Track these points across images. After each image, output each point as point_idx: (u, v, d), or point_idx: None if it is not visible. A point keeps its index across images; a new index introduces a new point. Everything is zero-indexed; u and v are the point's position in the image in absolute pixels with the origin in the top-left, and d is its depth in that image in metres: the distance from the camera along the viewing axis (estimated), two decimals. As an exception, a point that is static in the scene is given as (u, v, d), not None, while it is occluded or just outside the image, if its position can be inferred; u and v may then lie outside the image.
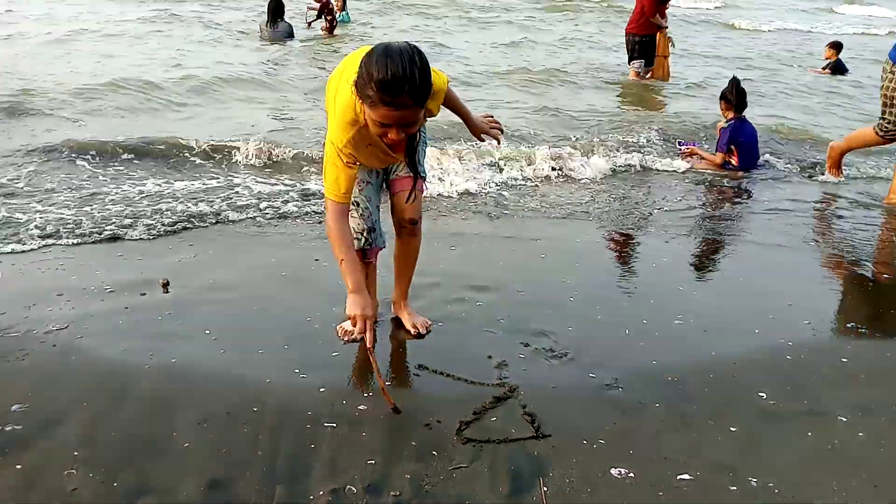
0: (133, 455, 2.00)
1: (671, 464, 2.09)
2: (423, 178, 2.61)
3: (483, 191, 4.73)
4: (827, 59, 10.82)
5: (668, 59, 9.05)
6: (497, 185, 4.87)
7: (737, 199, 4.93)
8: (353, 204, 2.52)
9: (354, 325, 2.34)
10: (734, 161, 5.51)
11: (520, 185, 4.94)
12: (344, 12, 13.21)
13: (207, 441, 2.07)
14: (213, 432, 2.11)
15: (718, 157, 5.53)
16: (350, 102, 2.21)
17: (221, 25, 11.98)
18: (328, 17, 11.72)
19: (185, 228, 3.77)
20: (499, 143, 2.81)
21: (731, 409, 2.38)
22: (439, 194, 4.58)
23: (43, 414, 2.15)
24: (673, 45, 9.15)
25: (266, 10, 11.12)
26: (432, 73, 2.14)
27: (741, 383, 2.55)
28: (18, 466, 1.93)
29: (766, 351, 2.79)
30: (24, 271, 3.19)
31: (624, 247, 3.94)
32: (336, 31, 11.81)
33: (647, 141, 6.09)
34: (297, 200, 4.27)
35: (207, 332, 2.68)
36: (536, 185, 4.94)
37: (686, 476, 2.05)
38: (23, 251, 3.40)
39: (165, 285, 3.03)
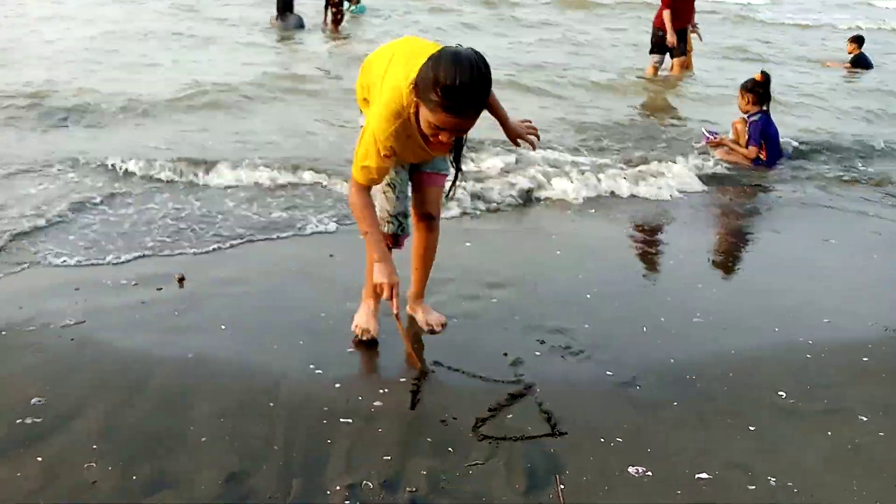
0: (150, 448, 2.01)
1: (689, 462, 2.08)
2: (455, 173, 2.54)
3: (496, 186, 4.71)
4: (850, 53, 10.75)
5: (692, 54, 8.92)
6: (511, 184, 4.84)
7: (757, 195, 4.87)
8: (389, 186, 2.51)
9: (381, 293, 2.40)
10: (763, 155, 5.36)
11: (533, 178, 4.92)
12: (359, 3, 12.98)
13: (224, 435, 2.08)
14: (230, 426, 2.12)
15: (752, 152, 5.31)
16: (399, 94, 2.19)
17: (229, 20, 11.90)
18: (333, 10, 11.27)
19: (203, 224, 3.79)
20: (534, 148, 2.78)
21: (749, 408, 2.36)
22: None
23: (61, 407, 2.17)
24: (700, 39, 8.98)
25: (276, 5, 11.07)
26: None
27: (760, 382, 2.52)
28: (39, 459, 1.94)
29: (785, 349, 2.76)
30: (40, 265, 3.22)
31: (641, 243, 3.91)
32: (346, 21, 11.46)
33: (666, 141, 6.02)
34: (312, 195, 4.27)
35: (223, 326, 2.69)
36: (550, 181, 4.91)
37: (704, 475, 2.03)
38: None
39: (181, 280, 3.05)
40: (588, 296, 3.15)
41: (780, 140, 5.57)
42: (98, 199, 3.98)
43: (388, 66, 2.29)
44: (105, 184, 4.24)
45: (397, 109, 2.21)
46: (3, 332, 2.56)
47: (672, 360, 2.62)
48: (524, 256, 3.57)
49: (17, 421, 2.09)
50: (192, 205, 4.02)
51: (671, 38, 8.29)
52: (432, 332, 2.77)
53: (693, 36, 8.94)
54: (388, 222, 2.56)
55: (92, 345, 2.52)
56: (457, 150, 2.41)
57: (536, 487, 1.94)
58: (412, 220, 2.71)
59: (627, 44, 11.46)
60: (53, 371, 2.34)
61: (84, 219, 3.73)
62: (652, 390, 2.43)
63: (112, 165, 4.48)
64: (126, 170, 4.45)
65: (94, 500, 1.80)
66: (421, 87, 2.08)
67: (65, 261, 3.22)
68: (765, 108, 5.38)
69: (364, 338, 2.63)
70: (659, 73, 8.72)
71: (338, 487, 1.89)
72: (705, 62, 9.80)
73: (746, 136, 5.38)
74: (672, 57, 8.62)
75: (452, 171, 2.50)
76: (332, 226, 3.80)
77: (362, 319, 2.68)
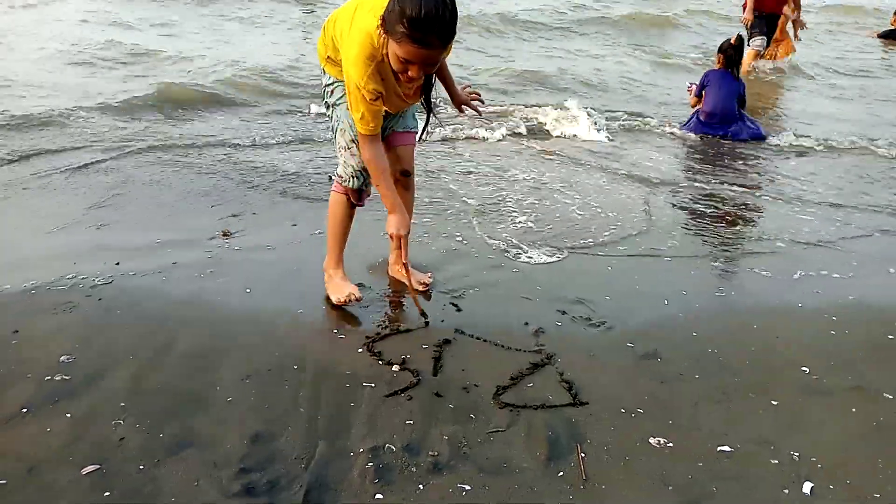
0: (177, 407, 2.04)
1: (711, 435, 2.07)
2: (426, 115, 2.55)
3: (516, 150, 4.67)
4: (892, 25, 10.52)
5: (792, 41, 8.26)
6: (537, 151, 4.80)
7: (776, 169, 4.79)
8: (354, 143, 2.51)
9: (393, 240, 2.57)
10: (693, 103, 5.74)
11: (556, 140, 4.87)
12: None
13: (249, 396, 2.11)
14: (255, 388, 2.15)
15: (692, 101, 5.82)
16: (370, 38, 2.20)
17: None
18: None
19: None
20: (480, 114, 2.84)
21: (773, 383, 2.35)
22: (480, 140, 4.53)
23: (90, 365, 2.20)
24: (803, 27, 8.40)
25: None
26: None
27: (784, 357, 2.50)
28: (68, 415, 1.98)
29: (810, 325, 2.74)
30: (71, 225, 3.25)
31: (664, 215, 3.86)
32: None
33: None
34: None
35: (248, 290, 2.71)
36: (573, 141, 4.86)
37: (726, 447, 2.02)
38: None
39: (227, 234, 3.10)
40: (609, 268, 3.12)
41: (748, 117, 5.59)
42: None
43: (354, 14, 2.28)
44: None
45: (371, 53, 2.22)
46: (33, 291, 2.59)
47: (694, 334, 2.61)
48: (545, 226, 3.54)
49: (47, 378, 2.13)
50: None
51: (747, 16, 7.71)
52: (426, 289, 2.79)
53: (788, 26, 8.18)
54: (353, 177, 2.56)
55: (121, 304, 2.55)
56: (426, 91, 2.42)
57: (558, 456, 1.95)
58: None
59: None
60: (82, 330, 2.38)
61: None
62: (674, 363, 2.42)
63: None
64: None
65: (122, 457, 1.84)
66: (388, 21, 2.11)
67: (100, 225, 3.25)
68: (726, 67, 5.62)
69: (352, 300, 2.61)
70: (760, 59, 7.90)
71: (361, 450, 1.91)
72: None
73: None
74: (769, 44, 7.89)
75: (420, 123, 2.53)
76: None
77: (340, 289, 2.64)
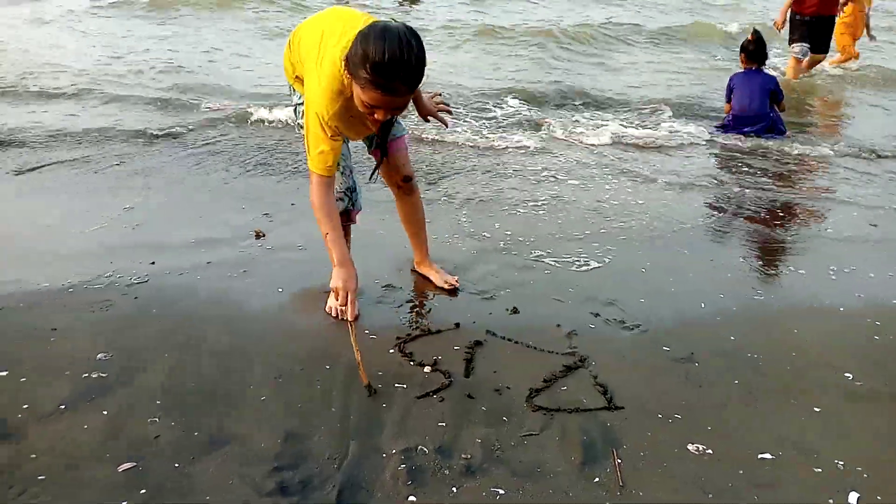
0: (211, 405, 2.05)
1: (751, 442, 2.02)
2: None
3: (549, 155, 4.63)
4: None
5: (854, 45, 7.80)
6: (568, 153, 4.76)
7: (814, 170, 4.68)
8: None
9: (337, 299, 2.33)
10: (726, 109, 5.54)
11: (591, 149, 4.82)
12: None
13: (282, 395, 2.11)
14: (287, 387, 2.15)
15: (726, 107, 5.58)
16: (339, 72, 2.12)
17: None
18: None
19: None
20: (446, 125, 2.74)
21: (814, 389, 2.28)
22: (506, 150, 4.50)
23: (125, 363, 2.22)
24: (870, 37, 7.87)
25: None
26: None
27: (825, 363, 2.43)
28: (105, 412, 2.00)
29: (851, 330, 2.66)
30: (108, 225, 3.30)
31: (698, 216, 3.79)
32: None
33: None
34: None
35: (280, 289, 2.72)
36: (605, 152, 4.80)
37: (767, 455, 1.97)
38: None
39: (260, 234, 3.14)
40: (643, 270, 3.07)
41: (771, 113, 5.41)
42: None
43: (321, 42, 2.20)
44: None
45: (339, 88, 2.14)
46: (71, 290, 2.63)
47: (732, 338, 2.55)
48: (576, 227, 3.50)
49: (84, 375, 2.15)
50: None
51: (778, 20, 7.15)
52: (454, 289, 2.76)
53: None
54: (338, 200, 2.49)
55: (156, 303, 2.57)
56: (384, 128, 2.35)
57: (593, 461, 1.91)
58: (391, 190, 2.71)
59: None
60: (119, 328, 2.41)
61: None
62: (711, 367, 2.36)
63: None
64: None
65: (157, 455, 1.85)
66: (351, 63, 2.01)
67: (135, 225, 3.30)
68: (753, 65, 5.48)
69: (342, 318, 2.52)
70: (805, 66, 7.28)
71: (394, 451, 1.90)
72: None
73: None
74: (815, 51, 7.17)
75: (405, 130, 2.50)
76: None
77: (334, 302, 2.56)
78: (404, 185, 2.67)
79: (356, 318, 2.31)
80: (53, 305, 2.53)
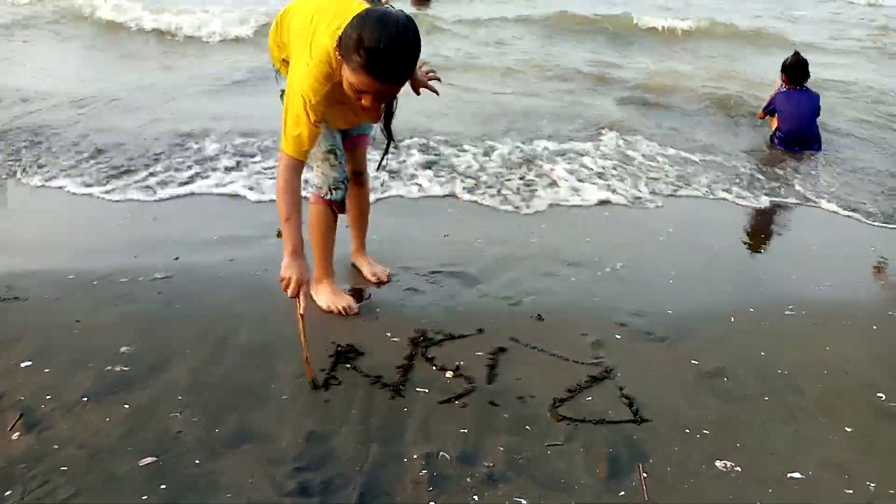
0: (233, 402, 2.04)
1: (780, 460, 1.97)
2: (387, 143, 2.48)
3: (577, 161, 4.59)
4: None
5: None
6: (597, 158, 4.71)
7: (861, 188, 4.59)
8: (331, 153, 2.45)
9: (286, 289, 2.18)
10: (773, 124, 5.45)
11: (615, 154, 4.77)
12: None
13: (305, 395, 2.09)
14: (310, 386, 2.13)
15: (759, 114, 5.67)
16: (329, 56, 2.08)
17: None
18: None
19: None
20: (437, 93, 2.69)
21: (846, 408, 2.23)
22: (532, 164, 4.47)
23: (148, 357, 2.22)
24: None
25: None
26: None
27: (858, 381, 2.38)
28: (127, 406, 2.00)
29: (885, 349, 2.60)
30: (136, 219, 3.32)
31: (729, 225, 3.72)
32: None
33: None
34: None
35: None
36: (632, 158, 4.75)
37: (797, 474, 1.92)
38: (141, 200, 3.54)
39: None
40: (671, 281, 3.03)
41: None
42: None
43: (311, 24, 2.15)
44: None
45: (328, 72, 2.10)
46: (95, 282, 2.64)
47: (762, 354, 2.50)
48: (602, 235, 3.46)
49: (107, 368, 2.15)
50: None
51: None
52: (379, 282, 2.79)
53: None
54: (335, 189, 2.50)
55: (180, 298, 2.57)
56: (387, 117, 2.33)
57: (618, 474, 1.87)
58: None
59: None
60: (142, 322, 2.41)
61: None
62: (741, 383, 2.31)
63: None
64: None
65: (179, 450, 1.84)
66: (344, 45, 1.98)
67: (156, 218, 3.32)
68: (795, 85, 5.47)
69: (351, 312, 2.56)
70: None
71: (415, 455, 1.87)
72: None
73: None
74: None
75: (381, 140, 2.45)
76: (414, 189, 3.79)
77: (334, 300, 2.58)
78: (354, 178, 2.72)
79: (305, 311, 2.18)
80: (78, 298, 2.54)
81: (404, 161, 4.23)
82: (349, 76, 2.02)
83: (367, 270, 2.84)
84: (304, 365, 2.16)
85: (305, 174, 2.29)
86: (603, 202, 3.91)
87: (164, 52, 7.10)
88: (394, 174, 4.04)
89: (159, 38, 7.54)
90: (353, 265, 2.91)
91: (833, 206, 4.16)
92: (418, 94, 2.67)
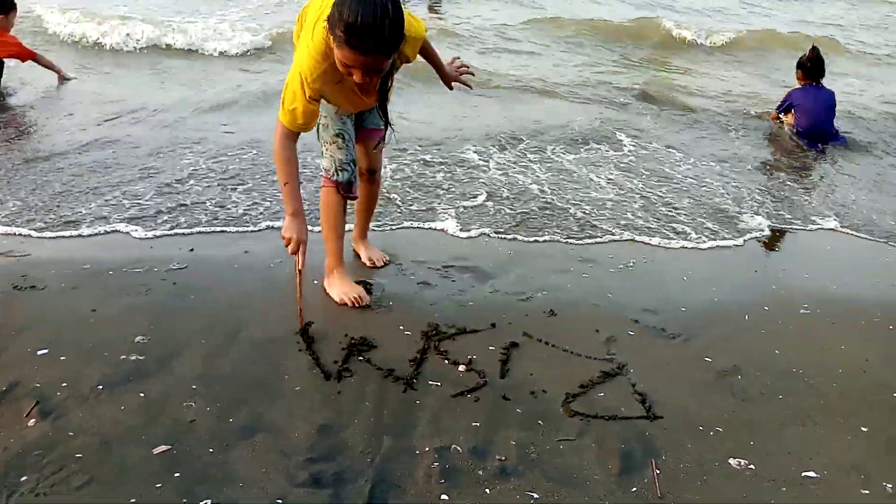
0: (247, 393, 2.04)
1: (795, 459, 1.95)
2: (389, 127, 2.54)
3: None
4: None
5: None
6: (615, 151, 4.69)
7: (871, 191, 4.54)
8: (339, 136, 2.51)
9: (287, 246, 2.35)
10: (789, 119, 5.42)
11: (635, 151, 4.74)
12: None
13: (317, 386, 2.10)
14: (322, 378, 2.13)
15: (772, 115, 5.64)
16: (325, 35, 2.15)
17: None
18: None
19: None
20: (471, 87, 2.81)
21: (862, 408, 2.21)
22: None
23: (163, 347, 2.23)
24: None
25: None
26: (410, 20, 2.16)
27: (874, 382, 2.35)
28: (141, 395, 2.01)
29: (901, 350, 2.57)
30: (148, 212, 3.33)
31: (746, 224, 3.69)
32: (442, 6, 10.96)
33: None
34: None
35: (315, 281, 2.71)
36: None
37: (812, 473, 1.90)
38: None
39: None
40: (685, 278, 3.01)
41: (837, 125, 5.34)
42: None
43: (319, 9, 2.24)
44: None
45: (325, 51, 2.17)
46: (111, 272, 2.66)
47: (777, 352, 2.48)
48: (617, 232, 3.44)
49: (122, 357, 2.17)
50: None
51: None
52: (374, 266, 2.84)
53: None
54: (341, 170, 2.54)
55: (194, 290, 2.58)
56: (381, 94, 2.36)
57: (630, 470, 1.87)
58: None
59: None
60: (157, 312, 2.42)
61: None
62: (755, 380, 2.30)
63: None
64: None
65: (192, 440, 1.85)
66: (330, 22, 2.06)
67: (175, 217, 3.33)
68: (814, 82, 5.43)
69: (362, 303, 2.57)
70: None
71: (427, 448, 1.87)
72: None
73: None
74: None
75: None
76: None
77: (346, 289, 2.59)
78: (368, 175, 2.76)
79: (304, 267, 2.36)
80: (94, 287, 2.55)
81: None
82: (336, 52, 2.10)
83: (365, 255, 2.91)
84: (299, 314, 2.35)
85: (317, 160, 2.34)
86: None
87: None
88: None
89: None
90: (353, 251, 2.96)
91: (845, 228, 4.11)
92: (451, 88, 2.71)
